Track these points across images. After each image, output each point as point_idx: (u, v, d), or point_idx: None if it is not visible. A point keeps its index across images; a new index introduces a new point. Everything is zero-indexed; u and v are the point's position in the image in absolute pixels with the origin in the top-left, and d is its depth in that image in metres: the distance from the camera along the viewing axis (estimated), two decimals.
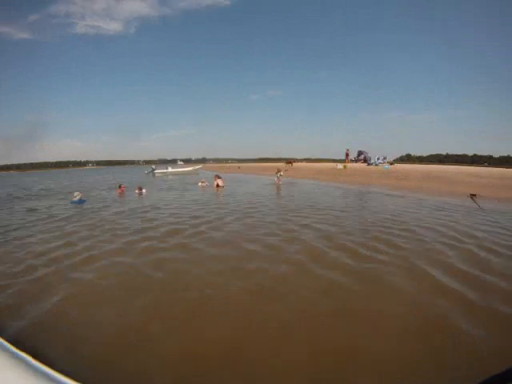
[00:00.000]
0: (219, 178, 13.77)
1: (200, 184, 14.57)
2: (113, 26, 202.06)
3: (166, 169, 33.56)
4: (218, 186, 13.42)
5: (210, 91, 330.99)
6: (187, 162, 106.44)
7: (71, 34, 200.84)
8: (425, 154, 77.00)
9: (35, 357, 0.85)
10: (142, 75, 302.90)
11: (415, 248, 4.14)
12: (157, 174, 29.35)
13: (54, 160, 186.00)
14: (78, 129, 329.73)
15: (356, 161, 35.28)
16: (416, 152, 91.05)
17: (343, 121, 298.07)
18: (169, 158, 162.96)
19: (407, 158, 64.53)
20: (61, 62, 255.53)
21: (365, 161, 33.95)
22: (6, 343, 0.92)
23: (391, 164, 30.73)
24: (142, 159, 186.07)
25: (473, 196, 8.98)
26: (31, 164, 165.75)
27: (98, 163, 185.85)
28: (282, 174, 15.64)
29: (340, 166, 28.10)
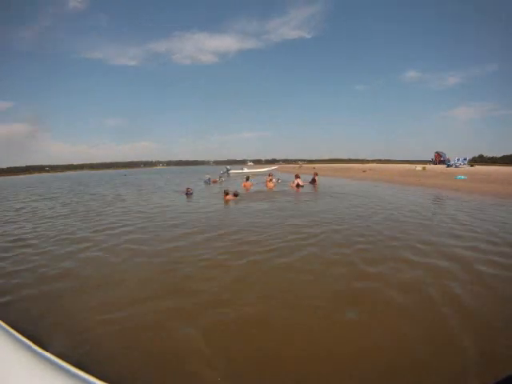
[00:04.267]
0: (299, 177, 14.34)
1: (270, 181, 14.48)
2: (208, 58, 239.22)
3: (242, 169, 34.64)
4: (298, 185, 13.72)
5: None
6: (257, 162, 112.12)
7: (169, 63, 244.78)
8: (498, 155, 69.99)
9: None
10: (225, 93, 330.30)
11: None
12: (231, 175, 29.66)
13: (127, 160, 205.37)
14: (156, 133, 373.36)
15: (435, 163, 36.26)
16: (488, 153, 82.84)
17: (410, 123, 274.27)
18: (238, 159, 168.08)
19: (480, 159, 60.21)
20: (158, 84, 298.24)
21: (442, 162, 34.83)
22: (10, 329, 0.94)
23: (471, 166, 30.33)
24: (211, 159, 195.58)
25: None
26: (102, 164, 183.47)
27: (168, 163, 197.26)
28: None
29: (419, 167, 30.17)
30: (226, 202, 10.50)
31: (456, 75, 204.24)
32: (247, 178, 15.80)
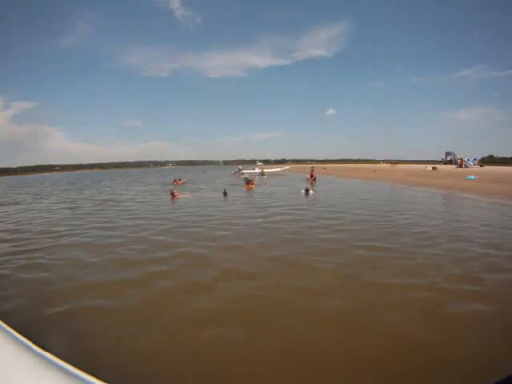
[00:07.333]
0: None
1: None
2: (236, 72, 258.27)
3: (253, 169, 34.63)
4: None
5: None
6: (266, 163, 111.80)
7: (200, 77, 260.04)
8: (508, 156, 68.77)
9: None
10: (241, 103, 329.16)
11: None
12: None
13: (135, 160, 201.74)
14: (168, 134, 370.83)
15: (445, 163, 36.81)
16: (498, 153, 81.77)
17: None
18: (248, 159, 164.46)
19: (489, 160, 59.79)
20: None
21: (452, 162, 35.39)
22: (9, 329, 0.91)
23: (481, 166, 30.78)
24: (221, 160, 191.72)
25: None
26: (112, 163, 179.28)
27: (178, 163, 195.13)
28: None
29: (429, 167, 30.79)
30: None
31: (466, 77, 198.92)
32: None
